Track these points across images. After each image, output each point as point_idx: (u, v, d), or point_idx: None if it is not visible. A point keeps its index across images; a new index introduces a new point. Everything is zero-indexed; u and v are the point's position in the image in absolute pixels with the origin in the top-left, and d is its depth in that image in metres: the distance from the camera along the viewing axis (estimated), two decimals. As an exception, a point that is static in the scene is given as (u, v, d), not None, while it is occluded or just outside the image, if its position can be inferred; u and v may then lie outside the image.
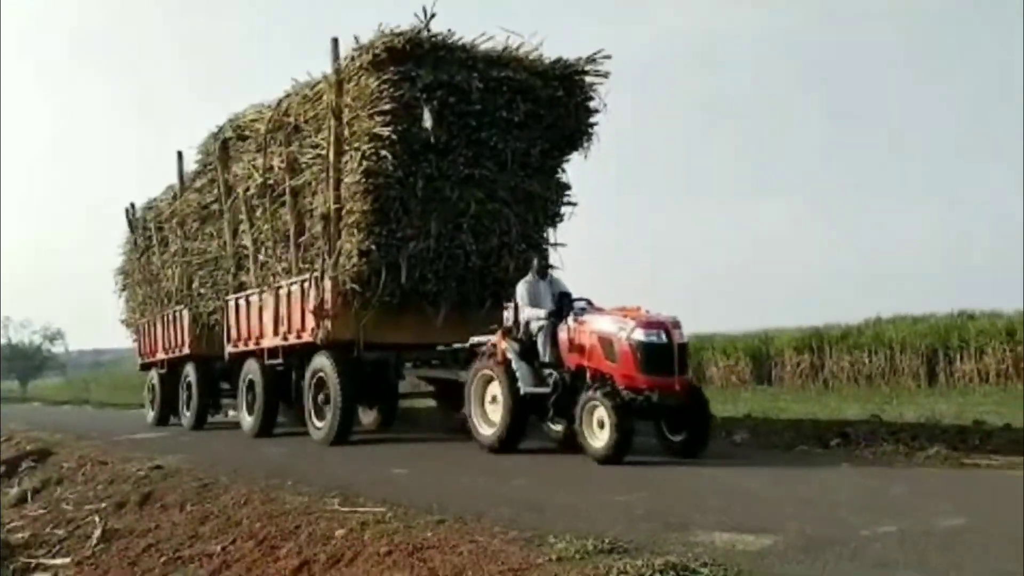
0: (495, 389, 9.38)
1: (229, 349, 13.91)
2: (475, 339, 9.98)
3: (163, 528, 7.52)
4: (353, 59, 10.55)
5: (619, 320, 8.33)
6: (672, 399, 8.10)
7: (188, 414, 16.02)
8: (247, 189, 13.02)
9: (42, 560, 7.98)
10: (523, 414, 9.17)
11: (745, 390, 23.88)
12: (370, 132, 10.13)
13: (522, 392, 9.01)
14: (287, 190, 11.98)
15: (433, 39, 10.20)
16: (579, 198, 11.50)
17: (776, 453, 8.61)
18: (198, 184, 14.82)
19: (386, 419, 13.44)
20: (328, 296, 10.91)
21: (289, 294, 12.00)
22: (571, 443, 9.43)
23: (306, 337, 11.52)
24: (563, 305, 8.88)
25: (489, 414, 9.52)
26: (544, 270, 9.78)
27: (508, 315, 9.68)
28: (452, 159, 10.37)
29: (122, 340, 20.92)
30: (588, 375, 8.53)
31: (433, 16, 10.05)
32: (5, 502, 10.86)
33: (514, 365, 9.12)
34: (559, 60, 10.88)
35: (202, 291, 15.01)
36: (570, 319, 8.78)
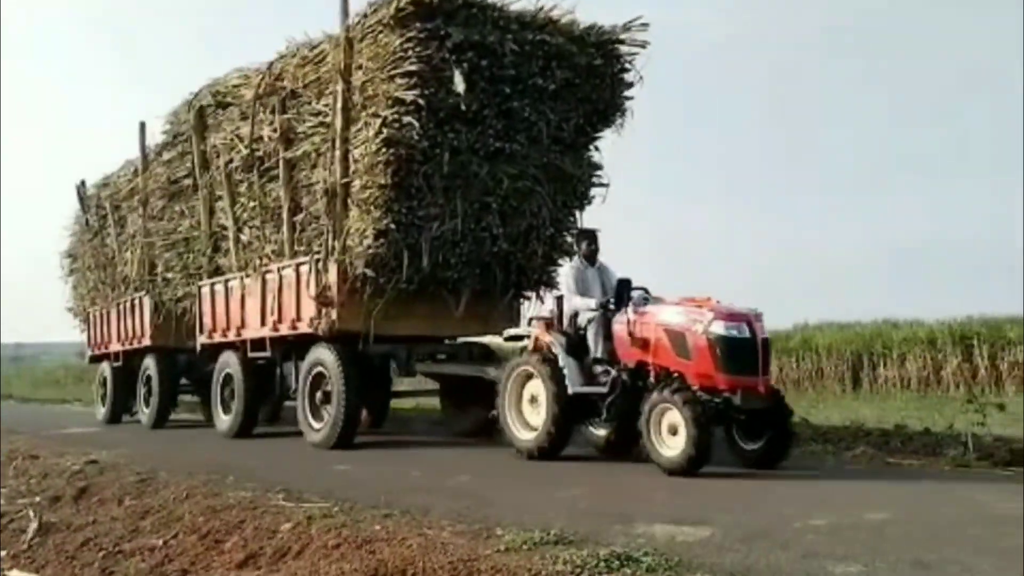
0: (536, 388, 8.31)
1: (201, 340, 12.57)
2: (511, 331, 8.92)
3: (101, 523, 7.34)
4: (368, 15, 9.35)
5: (693, 311, 7.33)
6: (756, 401, 7.13)
7: (147, 411, 14.58)
8: (229, 162, 11.70)
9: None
10: (571, 417, 8.13)
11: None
12: (391, 96, 8.96)
13: (570, 392, 7.96)
14: (280, 163, 10.72)
15: (464, -6, 9.08)
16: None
17: (714, 451, 8.20)
18: (167, 157, 13.40)
19: (377, 419, 12.28)
20: (333, 281, 9.71)
21: (280, 279, 10.75)
22: (614, 448, 8.50)
23: (303, 327, 10.29)
24: (623, 293, 7.84)
25: (527, 416, 8.44)
26: (593, 255, 8.73)
27: (547, 305, 8.66)
28: (481, 131, 9.25)
29: (45, 335, 19.23)
30: (652, 374, 7.53)
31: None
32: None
33: (561, 361, 8.07)
34: (594, 26, 9.83)
35: (168, 276, 13.59)
36: (629, 310, 7.75)
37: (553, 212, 9.94)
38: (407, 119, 8.87)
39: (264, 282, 11.09)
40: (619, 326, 7.86)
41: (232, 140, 11.64)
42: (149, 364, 14.46)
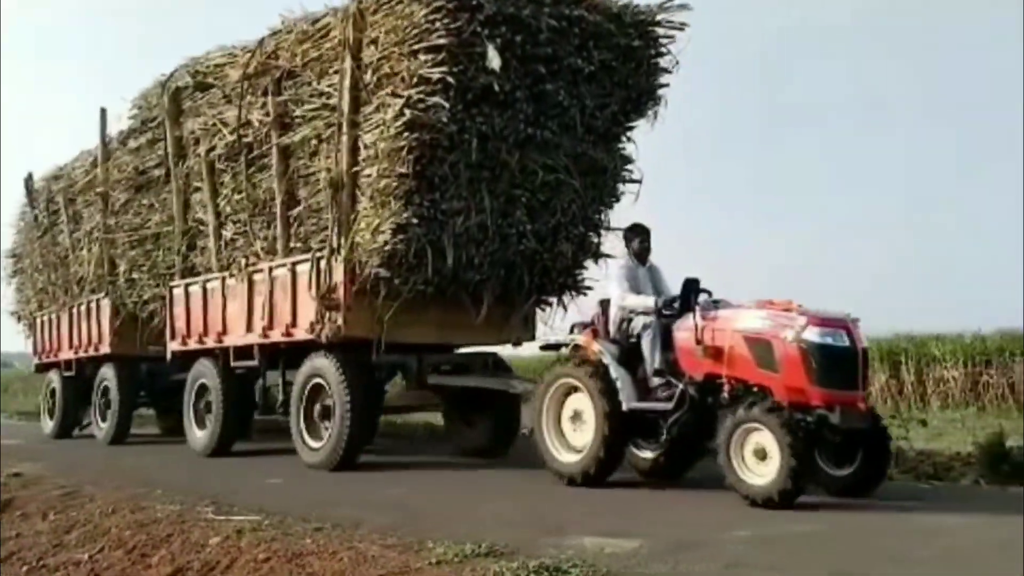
0: (580, 404, 7.33)
1: (173, 347, 11.34)
2: (550, 339, 7.95)
3: (25, 536, 7.28)
4: (385, -17, 8.34)
5: (781, 316, 6.43)
6: (855, 420, 6.23)
7: (104, 425, 13.25)
8: (211, 149, 10.54)
9: None
10: (623, 436, 7.18)
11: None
12: (415, 74, 7.94)
13: (625, 408, 7.02)
14: (274, 150, 9.61)
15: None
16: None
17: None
18: (134, 145, 12.17)
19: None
20: (340, 282, 8.63)
21: (272, 279, 9.62)
22: (664, 473, 7.60)
23: (299, 334, 9.19)
24: (689, 295, 6.92)
25: (568, 436, 7.46)
26: (645, 253, 7.80)
27: (589, 309, 7.74)
28: (511, 115, 8.27)
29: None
30: (725, 388, 6.62)
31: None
32: None
33: (613, 373, 7.11)
34: (631, 4, 8.94)
35: (133, 276, 12.32)
36: (696, 314, 6.84)
37: (583, 208, 9.00)
38: (434, 99, 7.86)
39: (251, 283, 9.94)
40: (683, 333, 6.94)
41: (214, 125, 10.49)
42: (107, 374, 13.14)
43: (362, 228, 8.48)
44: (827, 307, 6.58)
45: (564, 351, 7.91)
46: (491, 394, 9.43)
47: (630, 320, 7.32)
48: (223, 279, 10.39)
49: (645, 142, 9.42)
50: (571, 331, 7.71)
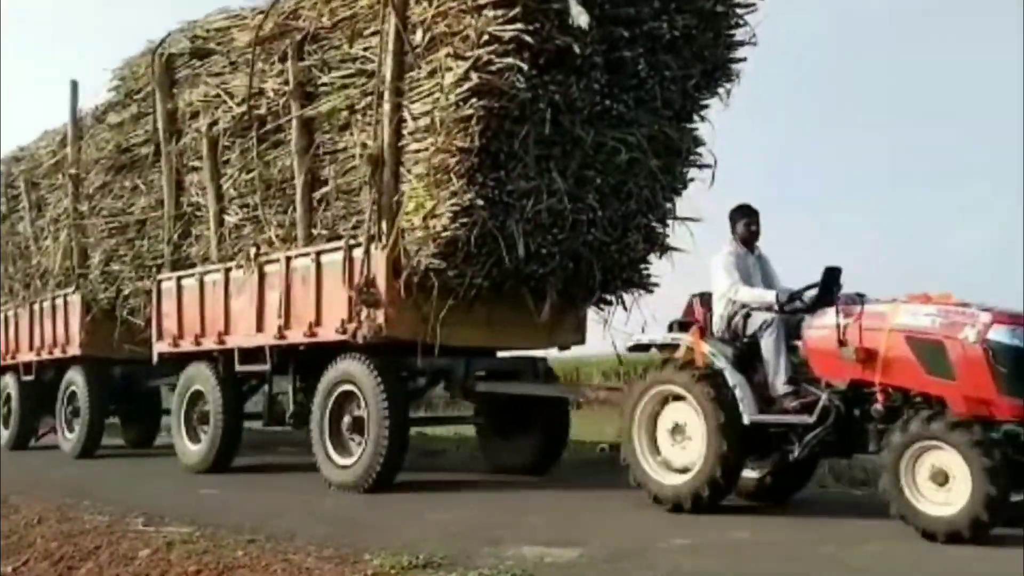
0: (683, 415, 6.26)
1: (161, 348, 9.99)
2: (640, 338, 6.87)
3: None
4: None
5: (955, 313, 5.43)
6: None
7: (71, 436, 11.81)
8: (212, 124, 9.27)
9: None
10: (743, 454, 6.14)
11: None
12: (483, 32, 6.82)
13: (747, 421, 5.99)
14: (293, 124, 8.39)
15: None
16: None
17: (589, 470, 8.54)
18: (114, 120, 10.78)
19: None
20: (381, 274, 7.46)
21: (289, 271, 8.39)
22: (766, 495, 6.60)
23: (326, 334, 7.97)
24: (831, 286, 5.90)
25: (667, 453, 6.39)
26: (753, 238, 6.77)
27: (689, 305, 6.71)
28: (587, 84, 7.21)
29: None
30: (878, 397, 5.62)
31: None
32: None
33: (730, 379, 6.07)
34: (711, -36, 7.93)
35: (110, 268, 10.92)
36: (838, 310, 5.82)
37: (654, 195, 7.95)
38: (507, 60, 6.75)
39: (263, 275, 8.69)
40: (818, 332, 5.92)
41: (217, 96, 9.23)
42: (75, 378, 11.71)
43: (409, 212, 7.33)
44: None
45: (649, 354, 6.87)
46: (538, 405, 8.37)
47: (747, 316, 6.28)
48: (226, 271, 9.11)
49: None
50: (669, 329, 6.64)
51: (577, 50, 6.92)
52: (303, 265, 8.24)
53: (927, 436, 5.19)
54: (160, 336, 9.97)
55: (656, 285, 8.31)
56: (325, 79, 8.18)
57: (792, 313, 6.12)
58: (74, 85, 11.80)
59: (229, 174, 9.16)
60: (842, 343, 5.74)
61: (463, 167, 6.93)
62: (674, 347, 6.49)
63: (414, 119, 7.39)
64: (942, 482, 5.15)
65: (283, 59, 8.51)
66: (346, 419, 7.92)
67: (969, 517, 5.00)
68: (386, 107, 7.53)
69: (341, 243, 7.82)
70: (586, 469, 9.19)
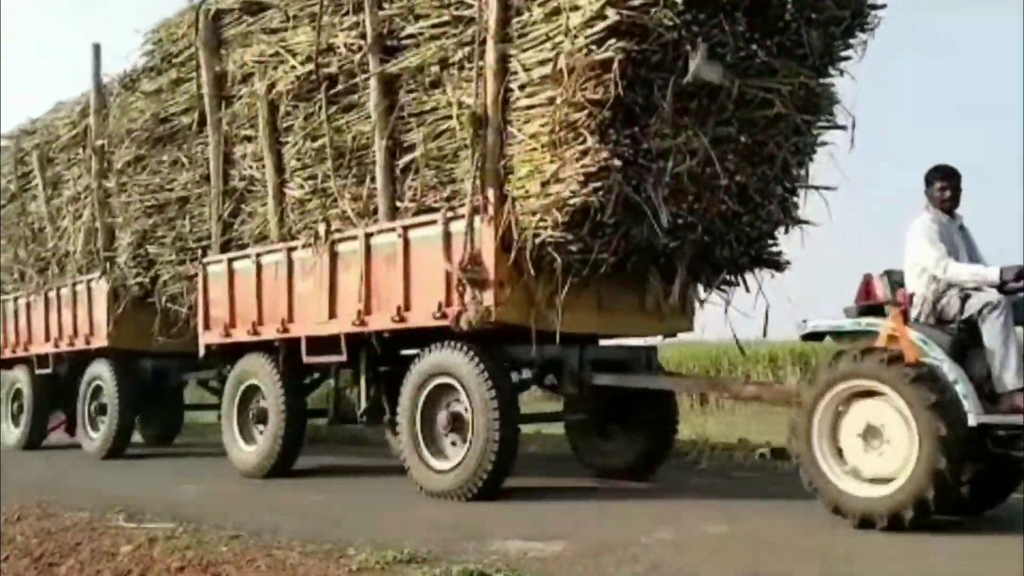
0: (880, 416, 5.25)
1: (209, 339, 8.97)
2: (817, 325, 5.92)
3: None
4: None
5: None
6: None
7: (95, 435, 10.78)
8: (270, 86, 8.23)
9: None
10: (963, 462, 5.20)
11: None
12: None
13: (972, 423, 5.07)
14: (372, 83, 7.40)
15: None
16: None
17: (571, 467, 8.29)
18: (149, 87, 9.72)
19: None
20: (489, 249, 6.50)
21: (369, 249, 7.41)
22: (964, 507, 5.65)
23: (420, 319, 7.01)
24: None
25: (854, 459, 5.40)
26: (954, 204, 5.86)
27: (866, 284, 5.78)
28: (731, 25, 6.26)
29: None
30: None
31: None
32: None
33: (948, 374, 5.13)
34: None
35: (144, 251, 9.87)
36: None
37: (792, 157, 7.02)
38: (651, -5, 5.79)
39: (335, 255, 7.70)
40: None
41: (275, 55, 8.20)
42: (100, 372, 10.67)
43: (522, 177, 6.37)
44: None
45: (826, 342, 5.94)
46: (644, 401, 7.48)
47: (965, 297, 5.36)
48: (288, 251, 8.11)
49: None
50: (860, 313, 5.69)
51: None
52: (387, 242, 7.26)
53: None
54: (208, 326, 8.96)
55: (788, 263, 7.36)
56: (411, 29, 7.18)
57: (1014, 292, 5.22)
58: (96, 49, 10.73)
59: (291, 142, 8.14)
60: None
61: (595, 122, 5.96)
62: (864, 335, 5.54)
63: (526, 70, 6.41)
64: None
65: (357, 9, 7.51)
66: (442, 417, 6.96)
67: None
68: (490, 58, 6.55)
69: (437, 216, 6.85)
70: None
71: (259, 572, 4.79)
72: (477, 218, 6.57)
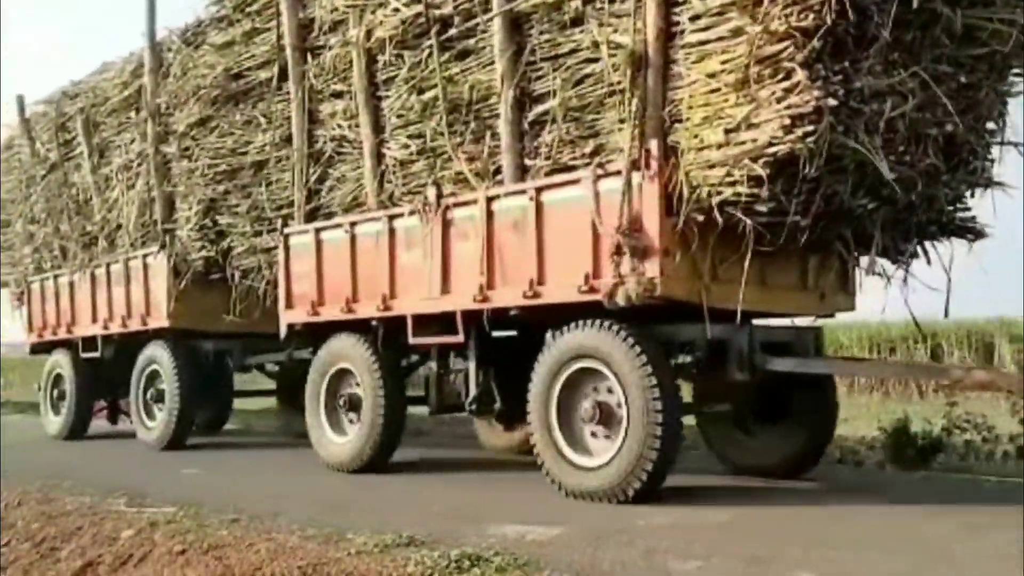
0: None
1: (293, 319, 8.09)
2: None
3: None
4: None
5: None
6: None
7: (152, 424, 9.90)
8: (367, 35, 7.30)
9: None
10: None
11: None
12: None
13: None
14: (496, 23, 6.46)
15: None
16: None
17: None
18: (218, 40, 8.76)
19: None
20: (653, 213, 5.58)
21: (490, 216, 6.49)
22: None
23: (560, 294, 6.10)
24: None
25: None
26: None
27: None
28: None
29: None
30: None
31: None
32: None
33: None
34: None
35: (212, 221, 8.95)
36: None
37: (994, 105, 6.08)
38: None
39: (447, 222, 6.79)
40: None
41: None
42: (158, 355, 9.76)
43: (698, 124, 5.44)
44: None
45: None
46: (800, 390, 6.59)
47: None
48: (389, 219, 7.20)
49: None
50: None
51: None
52: (515, 206, 6.34)
53: None
54: (290, 303, 8.06)
55: (988, 231, 6.43)
56: (544, -39, 6.24)
57: None
58: (151, 2, 9.76)
59: (392, 96, 7.22)
60: None
61: (802, 55, 5.03)
62: None
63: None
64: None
65: (476, -60, 6.57)
66: (584, 405, 6.05)
67: None
68: (650, -10, 5.62)
69: (581, 174, 5.93)
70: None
71: (259, 556, 4.80)
72: (636, 175, 5.64)
